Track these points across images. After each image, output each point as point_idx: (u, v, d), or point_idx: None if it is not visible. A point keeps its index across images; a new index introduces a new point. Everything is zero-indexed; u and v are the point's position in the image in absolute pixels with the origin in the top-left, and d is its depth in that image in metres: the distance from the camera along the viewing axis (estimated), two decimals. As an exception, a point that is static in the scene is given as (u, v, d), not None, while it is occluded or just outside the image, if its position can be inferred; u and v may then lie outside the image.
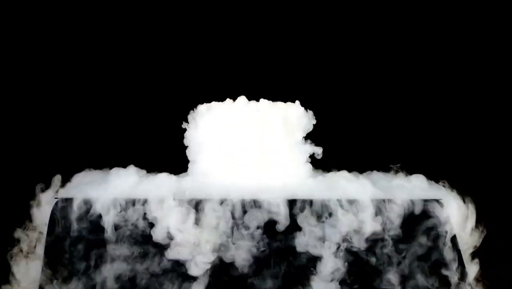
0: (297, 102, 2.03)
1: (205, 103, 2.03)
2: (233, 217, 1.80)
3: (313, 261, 1.80)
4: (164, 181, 1.93)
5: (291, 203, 1.83)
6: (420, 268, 1.82)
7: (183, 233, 1.79)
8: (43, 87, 2.41)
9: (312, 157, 2.04)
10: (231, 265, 1.78)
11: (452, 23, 2.46)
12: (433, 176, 2.00)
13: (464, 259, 1.87)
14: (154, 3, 2.46)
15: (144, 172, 1.99)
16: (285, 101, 2.05)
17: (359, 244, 1.82)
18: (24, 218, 1.93)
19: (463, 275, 1.84)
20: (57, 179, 1.94)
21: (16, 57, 2.39)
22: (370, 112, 2.46)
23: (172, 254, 1.78)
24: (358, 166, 2.05)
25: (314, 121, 2.03)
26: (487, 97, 2.44)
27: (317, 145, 2.05)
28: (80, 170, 1.99)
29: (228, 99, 2.02)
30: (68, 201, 1.84)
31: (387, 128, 2.44)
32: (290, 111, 2.02)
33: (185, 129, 2.01)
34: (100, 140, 2.38)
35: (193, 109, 2.02)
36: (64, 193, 1.89)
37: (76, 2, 2.42)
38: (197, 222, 1.79)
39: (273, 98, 2.05)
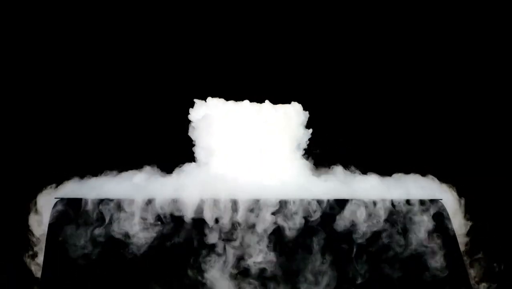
0: (297, 104, 2.05)
1: (209, 99, 2.03)
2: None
3: (317, 259, 1.81)
4: (166, 180, 1.94)
5: (290, 203, 1.84)
6: (419, 267, 1.82)
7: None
8: (44, 89, 2.40)
9: (312, 156, 2.05)
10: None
11: (454, 23, 2.46)
12: (433, 176, 2.00)
13: (464, 259, 1.87)
14: (155, 3, 2.46)
15: (145, 172, 2.00)
16: (285, 102, 2.05)
17: (359, 244, 1.82)
18: (25, 218, 1.94)
19: (463, 274, 1.84)
20: (58, 179, 1.95)
21: (16, 59, 2.39)
22: (370, 113, 2.46)
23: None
24: (358, 166, 2.06)
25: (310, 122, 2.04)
26: (487, 96, 2.44)
27: (317, 144, 2.06)
28: (80, 170, 2.00)
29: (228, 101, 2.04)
30: (68, 201, 1.84)
31: (387, 129, 2.44)
32: (290, 112, 2.03)
33: (185, 130, 2.02)
34: (101, 141, 2.38)
35: (192, 108, 2.03)
36: (64, 193, 1.90)
37: (76, 2, 2.42)
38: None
39: (274, 99, 2.05)
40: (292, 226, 1.82)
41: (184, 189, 1.85)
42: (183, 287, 1.79)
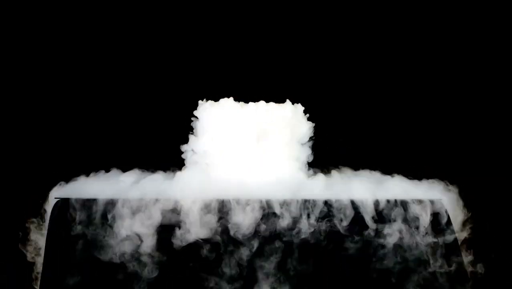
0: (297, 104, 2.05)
1: (209, 100, 2.03)
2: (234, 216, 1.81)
3: (315, 260, 1.81)
4: (164, 180, 1.94)
5: (291, 203, 1.84)
6: (420, 267, 1.82)
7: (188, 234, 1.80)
8: (44, 89, 2.41)
9: (312, 156, 2.05)
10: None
11: (454, 23, 2.46)
12: (433, 176, 1.99)
13: (464, 258, 1.87)
14: (154, 3, 2.46)
15: (144, 172, 2.00)
16: (284, 102, 2.05)
17: (359, 244, 1.82)
18: (25, 218, 1.93)
19: (463, 274, 1.84)
20: (57, 179, 1.95)
21: (15, 59, 2.40)
22: (370, 112, 2.46)
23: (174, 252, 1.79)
24: (358, 165, 2.05)
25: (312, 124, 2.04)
26: (487, 96, 2.44)
27: (316, 144, 2.06)
28: (80, 170, 2.00)
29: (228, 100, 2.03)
30: (68, 201, 1.84)
31: (387, 129, 2.44)
32: (290, 111, 2.02)
33: (182, 130, 2.02)
34: (100, 141, 2.38)
35: (195, 109, 2.04)
36: (64, 193, 1.90)
37: (76, 2, 2.42)
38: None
39: (274, 98, 2.05)
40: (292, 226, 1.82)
41: (185, 189, 1.86)
42: (184, 286, 1.79)
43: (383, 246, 1.82)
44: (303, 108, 2.04)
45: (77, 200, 1.83)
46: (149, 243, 1.79)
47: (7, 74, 2.38)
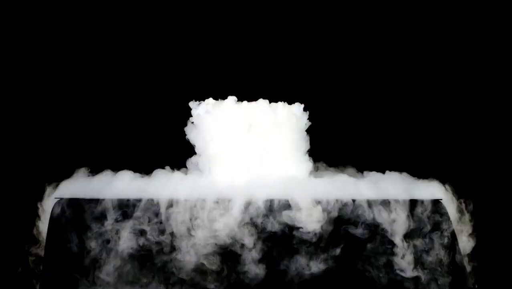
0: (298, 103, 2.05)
1: (210, 100, 2.03)
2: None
3: (316, 261, 1.81)
4: (163, 180, 1.94)
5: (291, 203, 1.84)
6: (420, 267, 1.83)
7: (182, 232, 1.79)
8: (42, 89, 2.41)
9: (312, 156, 2.05)
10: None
11: (454, 23, 2.46)
12: (433, 176, 2.00)
13: (463, 259, 1.87)
14: (153, 3, 2.46)
15: (143, 172, 2.00)
16: (285, 101, 2.05)
17: (360, 244, 1.82)
18: (25, 218, 1.94)
19: (463, 275, 1.84)
20: (57, 179, 1.95)
21: (14, 61, 2.40)
22: (371, 112, 2.46)
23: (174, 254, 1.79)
24: (358, 165, 2.06)
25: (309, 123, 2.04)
26: (487, 96, 2.44)
27: (317, 144, 2.06)
28: (80, 170, 2.00)
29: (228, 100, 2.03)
30: (68, 201, 1.84)
31: (387, 129, 2.44)
32: (290, 111, 2.02)
33: (181, 129, 2.03)
34: (99, 141, 2.38)
35: (194, 108, 2.04)
36: (64, 193, 1.90)
37: (76, 2, 2.42)
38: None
39: (274, 98, 2.05)
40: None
41: (186, 189, 1.86)
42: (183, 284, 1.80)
43: (382, 246, 1.82)
44: (302, 107, 2.05)
45: (77, 199, 1.84)
46: (150, 243, 1.79)
47: (7, 76, 2.38)
